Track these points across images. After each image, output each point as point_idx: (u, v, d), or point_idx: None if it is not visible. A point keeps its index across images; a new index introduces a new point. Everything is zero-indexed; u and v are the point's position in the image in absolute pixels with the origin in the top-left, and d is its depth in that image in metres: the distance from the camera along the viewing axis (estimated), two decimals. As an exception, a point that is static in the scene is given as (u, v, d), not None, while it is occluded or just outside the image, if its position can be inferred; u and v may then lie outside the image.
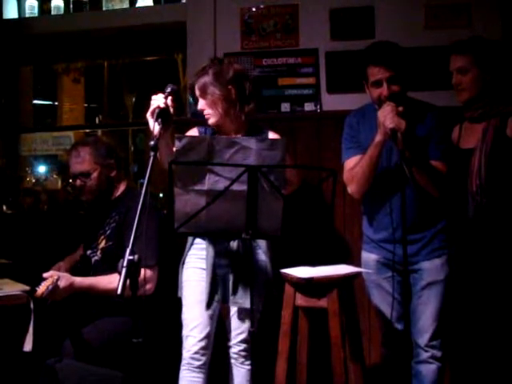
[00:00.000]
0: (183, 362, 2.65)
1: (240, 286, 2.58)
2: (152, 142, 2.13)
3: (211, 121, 2.71)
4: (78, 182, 3.07)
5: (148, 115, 2.34)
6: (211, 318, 2.67)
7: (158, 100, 2.33)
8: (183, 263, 2.76)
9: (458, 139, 2.82)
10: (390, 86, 2.66)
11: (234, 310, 2.68)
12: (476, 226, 2.67)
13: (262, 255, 2.70)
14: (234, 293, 2.59)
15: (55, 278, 2.64)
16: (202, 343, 2.63)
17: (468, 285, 2.73)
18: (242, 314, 2.65)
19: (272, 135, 2.77)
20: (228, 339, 2.72)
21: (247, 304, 2.53)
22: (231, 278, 2.60)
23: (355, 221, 3.09)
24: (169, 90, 2.40)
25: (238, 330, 2.66)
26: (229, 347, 2.71)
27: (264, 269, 2.69)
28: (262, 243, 2.69)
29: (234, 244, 2.60)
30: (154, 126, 2.25)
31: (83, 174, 3.04)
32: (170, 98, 2.36)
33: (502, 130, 2.64)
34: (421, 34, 3.49)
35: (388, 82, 2.66)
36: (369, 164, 2.70)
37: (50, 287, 2.59)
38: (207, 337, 2.64)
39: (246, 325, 2.64)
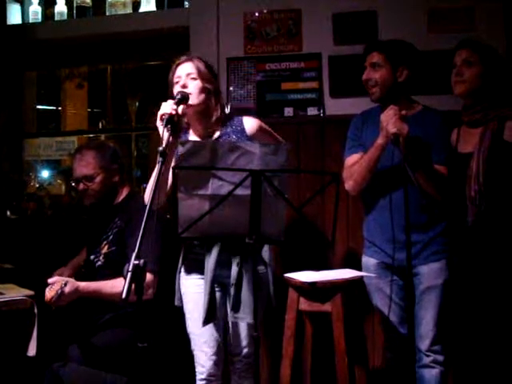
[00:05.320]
0: (199, 376, 2.58)
1: (241, 301, 2.48)
2: (160, 148, 2.13)
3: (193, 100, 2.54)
4: (81, 185, 3.06)
5: (158, 122, 2.34)
6: (218, 329, 2.59)
7: (166, 106, 2.33)
8: (180, 271, 2.67)
9: (455, 143, 2.83)
10: (369, 70, 2.77)
11: (232, 324, 2.59)
12: (476, 231, 2.67)
13: (264, 267, 2.61)
14: (235, 308, 2.48)
15: (62, 282, 2.65)
16: (215, 357, 2.56)
17: (470, 290, 2.72)
18: (243, 329, 2.58)
19: (246, 120, 2.69)
20: (229, 353, 2.63)
21: (249, 319, 2.45)
22: (232, 291, 2.50)
23: (358, 225, 3.09)
24: (179, 96, 2.39)
25: (240, 345, 2.59)
26: (230, 361, 2.64)
27: (266, 281, 2.59)
28: (264, 254, 2.60)
29: (237, 256, 2.49)
30: (163, 133, 2.24)
31: (87, 178, 3.03)
32: (181, 106, 2.36)
33: (499, 134, 2.64)
34: (424, 37, 3.49)
35: (370, 65, 2.78)
36: (368, 165, 2.73)
37: (59, 291, 2.60)
38: (218, 350, 2.58)
39: (247, 339, 2.57)
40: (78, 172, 3.06)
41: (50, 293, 2.61)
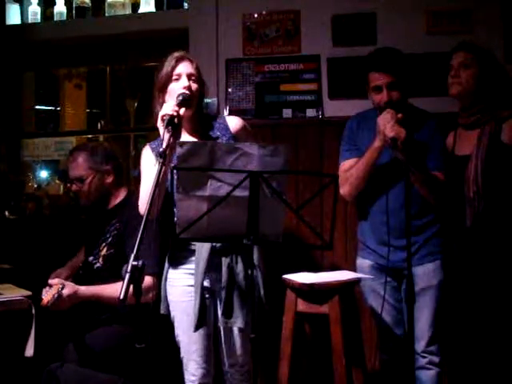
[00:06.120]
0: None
1: (233, 304, 2.44)
2: (161, 149, 2.14)
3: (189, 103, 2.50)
4: (74, 186, 3.11)
5: (158, 122, 2.34)
6: (209, 337, 2.54)
7: (168, 107, 2.33)
8: (166, 279, 2.59)
9: (452, 146, 2.83)
10: (389, 92, 2.70)
11: (224, 333, 2.53)
12: (474, 232, 2.68)
13: (255, 270, 2.51)
14: (226, 313, 2.44)
15: (60, 286, 2.63)
16: (206, 365, 2.53)
17: (466, 291, 2.73)
18: (237, 338, 2.51)
19: (230, 118, 2.69)
20: (224, 365, 2.56)
21: (239, 323, 2.42)
22: (223, 295, 2.45)
23: (357, 226, 3.09)
24: (180, 98, 2.38)
25: (234, 355, 2.52)
26: (226, 373, 2.57)
27: (256, 283, 2.50)
28: (254, 256, 2.47)
29: (227, 258, 2.46)
30: (164, 134, 2.24)
31: (78, 179, 3.07)
32: (183, 108, 2.35)
33: (496, 135, 2.65)
34: (422, 39, 3.50)
35: (387, 88, 2.70)
36: (364, 168, 2.74)
37: (56, 295, 2.58)
38: (209, 358, 2.54)
39: (242, 348, 2.50)
40: (71, 173, 3.12)
41: (46, 297, 2.59)
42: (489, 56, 2.74)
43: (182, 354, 2.57)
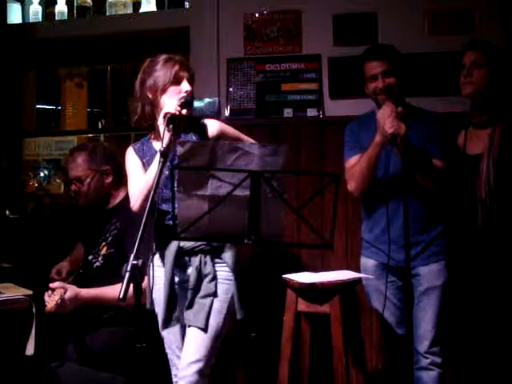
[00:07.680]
0: (175, 379, 2.52)
1: (195, 303, 2.42)
2: (161, 149, 2.14)
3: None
4: (74, 186, 3.12)
5: (160, 120, 2.34)
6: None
7: (171, 106, 2.33)
8: (149, 276, 2.48)
9: (463, 145, 2.81)
10: (384, 78, 2.74)
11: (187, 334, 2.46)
12: (486, 233, 2.65)
13: (227, 273, 2.49)
14: (188, 309, 2.43)
15: (62, 291, 2.63)
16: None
17: (475, 291, 2.71)
18: (196, 340, 2.42)
19: (208, 123, 2.59)
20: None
21: (199, 323, 2.38)
22: (188, 296, 2.44)
23: (357, 226, 3.09)
24: (183, 100, 2.38)
25: (189, 358, 2.39)
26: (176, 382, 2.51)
27: (226, 288, 2.47)
28: (227, 259, 2.48)
29: (195, 259, 2.44)
30: (164, 133, 2.24)
31: (77, 180, 3.09)
32: (185, 109, 2.34)
33: (508, 134, 2.63)
34: (423, 39, 3.50)
35: (383, 75, 2.74)
36: (368, 163, 2.74)
37: (59, 302, 2.58)
38: None
39: (201, 353, 2.39)
40: (70, 173, 3.12)
41: (50, 304, 2.59)
42: (500, 54, 2.72)
43: (167, 350, 2.58)
